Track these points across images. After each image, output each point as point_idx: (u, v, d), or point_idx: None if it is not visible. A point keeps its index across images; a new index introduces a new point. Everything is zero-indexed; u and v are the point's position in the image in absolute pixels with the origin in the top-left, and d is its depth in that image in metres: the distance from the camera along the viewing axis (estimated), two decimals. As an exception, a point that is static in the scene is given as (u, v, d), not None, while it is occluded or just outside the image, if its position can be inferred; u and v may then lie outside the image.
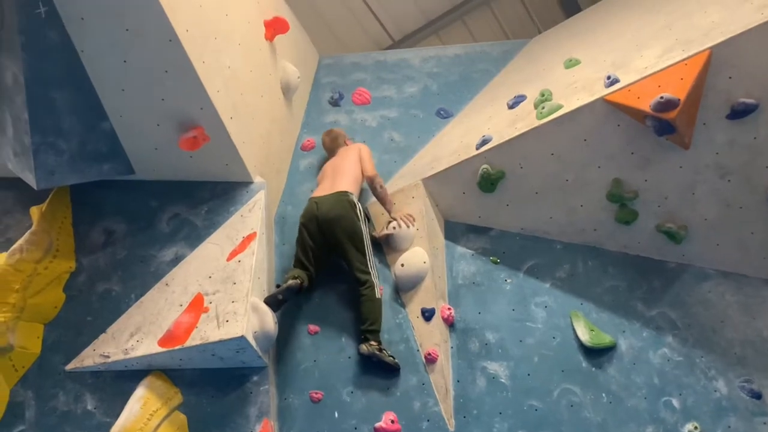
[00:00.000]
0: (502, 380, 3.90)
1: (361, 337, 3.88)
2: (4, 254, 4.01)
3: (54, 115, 3.72)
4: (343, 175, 4.38)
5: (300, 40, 5.78)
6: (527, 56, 5.78)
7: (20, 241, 4.04)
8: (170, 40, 3.66)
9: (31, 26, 3.48)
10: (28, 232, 4.11)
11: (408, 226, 4.29)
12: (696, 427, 3.73)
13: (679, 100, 3.64)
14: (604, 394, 3.86)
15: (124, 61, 3.74)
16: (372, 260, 4.11)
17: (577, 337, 4.03)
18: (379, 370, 3.86)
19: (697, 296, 4.22)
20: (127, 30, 3.62)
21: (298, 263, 4.12)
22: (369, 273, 4.04)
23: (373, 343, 3.83)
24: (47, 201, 4.26)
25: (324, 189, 4.35)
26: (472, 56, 5.95)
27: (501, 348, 4.02)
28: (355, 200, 4.24)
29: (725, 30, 3.74)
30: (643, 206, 4.22)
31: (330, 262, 4.25)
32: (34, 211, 4.24)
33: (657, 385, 3.91)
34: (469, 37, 8.28)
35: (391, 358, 3.86)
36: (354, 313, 4.08)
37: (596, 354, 3.99)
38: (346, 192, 4.24)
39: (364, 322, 3.91)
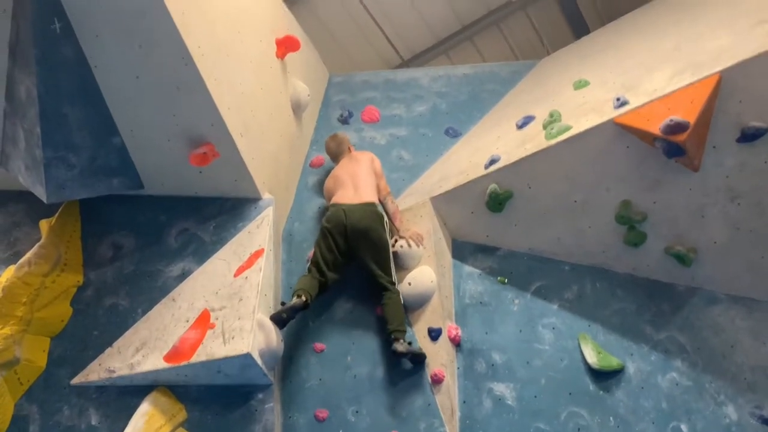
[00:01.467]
0: (509, 402, 3.86)
1: (391, 337, 3.86)
2: (13, 267, 4.04)
3: (66, 130, 3.75)
4: (365, 185, 4.45)
5: (311, 59, 5.83)
6: (536, 77, 5.80)
7: (29, 255, 4.07)
8: (183, 58, 3.69)
9: (46, 41, 3.53)
10: (37, 245, 4.14)
11: (417, 246, 4.28)
12: (705, 454, 3.68)
13: (689, 122, 3.63)
14: (611, 418, 3.81)
15: (137, 77, 3.77)
16: (394, 270, 4.19)
17: (584, 359, 3.99)
18: (389, 385, 3.86)
19: (706, 320, 4.18)
20: (140, 47, 3.66)
21: (316, 268, 4.09)
22: (393, 282, 4.12)
23: (403, 341, 3.84)
24: (57, 215, 4.29)
25: (348, 197, 4.36)
26: (481, 76, 5.98)
27: (508, 369, 3.98)
28: (383, 212, 4.34)
29: (735, 54, 3.74)
30: (652, 228, 4.20)
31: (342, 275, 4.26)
32: (44, 225, 4.27)
33: (665, 409, 3.86)
34: (478, 57, 8.33)
35: (419, 348, 3.90)
36: (361, 331, 4.07)
37: (604, 377, 3.95)
38: (374, 203, 4.34)
39: (392, 322, 3.92)
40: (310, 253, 4.36)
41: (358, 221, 4.18)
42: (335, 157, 4.93)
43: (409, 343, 3.86)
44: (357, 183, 4.45)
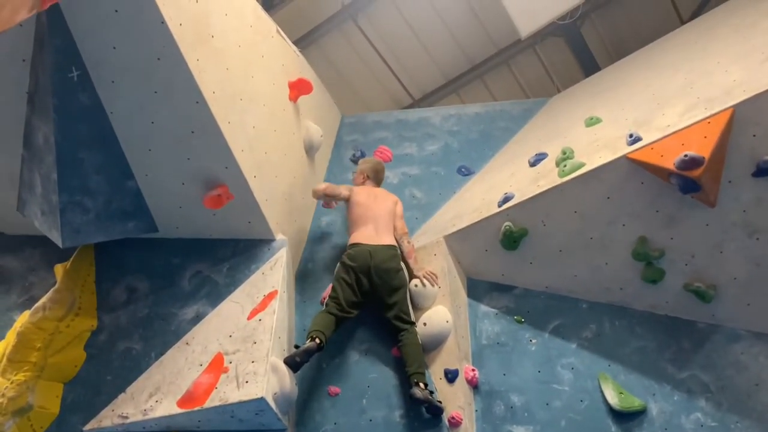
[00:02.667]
0: (529, 445, 3.77)
1: (413, 381, 3.79)
2: (28, 312, 4.04)
3: (82, 175, 3.80)
4: (386, 227, 4.48)
5: (323, 100, 5.89)
6: (547, 114, 5.83)
7: (44, 299, 4.08)
8: (197, 102, 3.74)
9: (64, 89, 3.60)
10: (52, 290, 4.15)
11: (432, 285, 4.25)
12: (734, 498, 3.55)
13: (703, 158, 3.62)
14: (635, 461, 3.70)
15: (152, 122, 3.83)
16: (412, 310, 4.20)
17: (605, 400, 3.90)
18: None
19: (729, 358, 4.08)
20: (155, 92, 3.72)
21: (336, 305, 4.05)
22: (412, 322, 4.11)
23: (422, 385, 3.77)
24: (71, 259, 4.31)
25: (371, 237, 4.36)
26: (492, 114, 6.01)
27: (527, 411, 3.90)
28: (401, 255, 4.41)
29: (747, 88, 3.74)
30: (669, 265, 4.14)
31: (350, 321, 4.22)
32: (59, 269, 4.28)
33: (691, 452, 3.75)
34: (489, 95, 8.41)
35: (439, 401, 3.78)
36: (377, 373, 4.01)
37: (626, 418, 3.85)
38: (395, 246, 4.39)
39: (411, 364, 3.87)
40: (325, 294, 4.33)
41: (382, 262, 4.20)
42: (367, 179, 4.87)
43: (431, 392, 3.78)
44: (379, 224, 4.45)
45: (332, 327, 3.96)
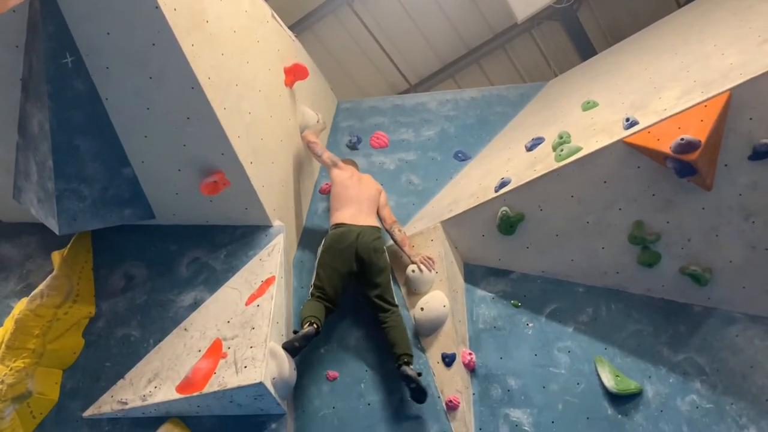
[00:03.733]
0: (526, 428, 3.80)
1: (402, 361, 3.82)
2: (25, 299, 4.04)
3: (77, 162, 3.78)
4: (371, 210, 4.52)
5: (319, 86, 5.87)
6: (544, 99, 5.81)
7: (41, 286, 4.08)
8: (192, 88, 3.72)
9: (58, 76, 3.57)
10: (49, 276, 4.15)
11: (429, 270, 4.26)
12: (729, 479, 3.59)
13: (700, 141, 3.62)
14: (631, 443, 3.74)
15: (147, 109, 3.81)
16: (394, 293, 4.24)
17: (602, 383, 3.93)
18: (401, 413, 3.81)
19: (724, 341, 4.11)
20: (150, 78, 3.70)
21: (320, 292, 4.07)
22: (396, 304, 4.14)
23: (413, 368, 3.81)
24: (68, 246, 4.31)
25: (356, 217, 4.39)
26: (488, 99, 6.00)
27: (524, 395, 3.93)
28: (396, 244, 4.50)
29: (744, 71, 3.74)
30: (665, 248, 4.16)
31: (348, 305, 4.23)
32: (56, 256, 4.28)
33: (686, 433, 3.79)
34: (485, 80, 8.37)
35: (424, 386, 3.79)
36: (374, 357, 4.04)
37: (622, 401, 3.88)
38: (379, 228, 4.46)
39: (399, 345, 3.91)
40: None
41: (370, 242, 4.23)
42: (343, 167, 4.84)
43: (419, 374, 3.80)
44: (362, 206, 4.49)
45: (324, 312, 3.98)
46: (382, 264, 4.22)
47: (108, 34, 3.56)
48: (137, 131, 3.91)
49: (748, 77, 3.67)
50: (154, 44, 3.59)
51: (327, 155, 4.83)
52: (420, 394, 3.74)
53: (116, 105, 3.80)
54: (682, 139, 3.64)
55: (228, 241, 4.35)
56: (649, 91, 4.29)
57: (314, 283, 4.16)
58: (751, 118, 3.74)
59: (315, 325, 3.82)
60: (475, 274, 4.55)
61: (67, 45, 3.55)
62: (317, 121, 5.25)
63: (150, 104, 3.80)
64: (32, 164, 3.85)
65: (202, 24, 3.86)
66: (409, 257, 4.38)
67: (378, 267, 4.19)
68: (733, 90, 3.70)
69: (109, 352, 4.03)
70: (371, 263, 4.18)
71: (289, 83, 5.00)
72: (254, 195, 4.18)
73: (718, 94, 3.73)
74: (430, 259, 4.33)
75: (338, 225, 4.35)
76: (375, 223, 4.46)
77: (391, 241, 4.54)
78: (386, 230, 4.52)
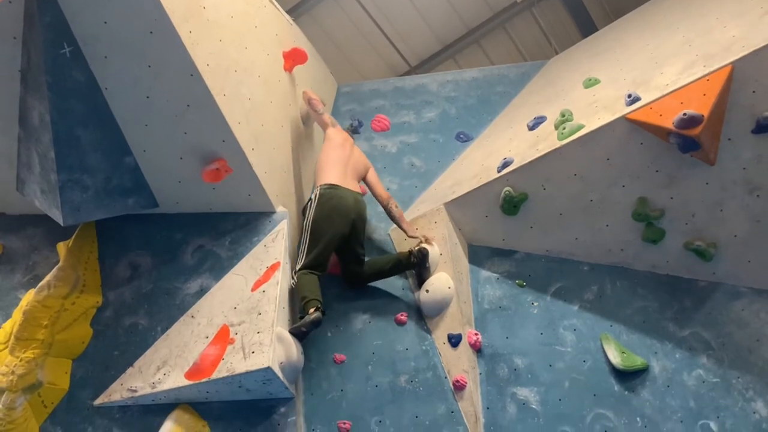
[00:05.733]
0: (533, 406, 3.82)
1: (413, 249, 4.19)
2: (33, 291, 4.07)
3: (79, 152, 3.78)
4: (356, 179, 4.56)
5: (318, 70, 5.84)
6: (545, 77, 5.77)
7: (48, 278, 4.10)
8: (191, 75, 3.71)
9: (57, 66, 3.56)
10: (56, 268, 4.17)
11: (431, 244, 4.32)
12: (736, 451, 3.61)
13: (702, 116, 3.60)
14: (638, 418, 3.76)
15: (147, 97, 3.80)
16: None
17: (608, 360, 3.95)
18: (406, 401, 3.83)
19: (730, 315, 4.11)
20: (149, 66, 3.69)
21: (317, 262, 4.04)
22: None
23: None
24: (73, 236, 4.32)
25: (346, 181, 4.39)
26: (489, 79, 5.96)
27: (530, 373, 3.95)
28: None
29: (746, 44, 3.70)
30: (670, 224, 4.15)
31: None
32: (61, 247, 4.30)
33: (693, 408, 3.80)
34: (486, 60, 8.31)
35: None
36: (380, 340, 4.07)
37: (629, 377, 3.90)
38: (362, 195, 4.53)
39: (393, 254, 4.37)
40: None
41: (363, 211, 4.35)
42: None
43: (420, 250, 4.18)
44: (351, 172, 4.51)
45: (319, 286, 3.97)
46: (365, 236, 4.36)
47: (105, 23, 3.55)
48: (138, 120, 3.90)
49: (751, 50, 3.64)
50: (151, 32, 3.57)
51: (327, 115, 4.87)
52: (422, 256, 4.15)
53: (116, 94, 3.80)
54: (684, 114, 3.62)
55: (232, 228, 4.36)
56: (651, 67, 4.26)
57: (307, 250, 4.06)
58: (754, 91, 3.71)
59: (320, 311, 3.82)
60: (479, 255, 4.55)
61: (64, 35, 3.54)
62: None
63: (149, 92, 3.79)
64: (34, 156, 3.86)
65: (199, 10, 3.84)
66: (406, 232, 4.40)
67: (363, 238, 4.32)
68: (735, 63, 3.66)
69: (117, 341, 4.06)
70: (360, 232, 4.26)
71: (288, 68, 4.98)
72: (257, 181, 4.18)
73: (721, 67, 3.69)
74: (426, 237, 4.38)
75: (332, 186, 4.26)
76: (359, 191, 4.49)
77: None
78: (383, 207, 4.51)
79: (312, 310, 3.79)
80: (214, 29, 3.97)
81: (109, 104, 3.82)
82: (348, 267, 4.26)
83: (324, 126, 4.83)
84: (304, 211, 4.31)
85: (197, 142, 3.99)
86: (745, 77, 3.68)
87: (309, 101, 4.91)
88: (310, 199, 4.26)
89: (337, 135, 4.70)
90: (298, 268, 4.03)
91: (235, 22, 4.28)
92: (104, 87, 3.77)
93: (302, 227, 4.24)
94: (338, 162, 4.47)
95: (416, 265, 4.21)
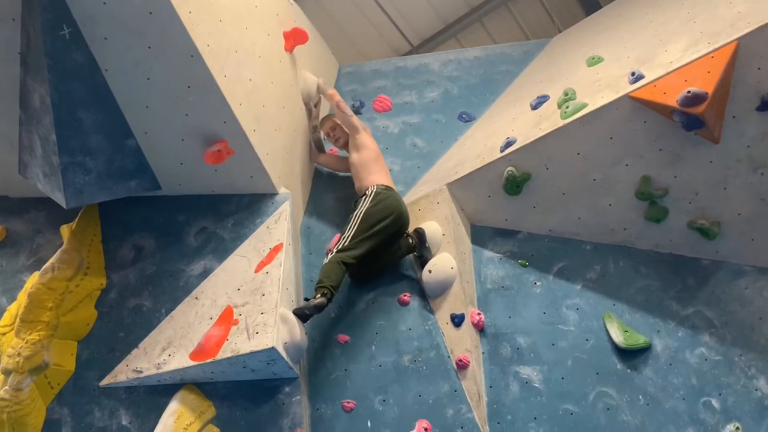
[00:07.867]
0: (536, 385, 3.84)
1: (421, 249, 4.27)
2: (37, 273, 4.09)
3: (81, 135, 3.77)
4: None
5: (319, 50, 5.80)
6: (548, 56, 5.73)
7: (52, 260, 4.12)
8: (192, 56, 3.69)
9: (56, 48, 3.54)
10: (59, 250, 4.18)
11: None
12: (737, 428, 3.64)
13: (706, 93, 3.57)
14: (641, 396, 3.78)
15: (148, 79, 3.78)
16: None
17: (610, 338, 3.96)
18: (410, 380, 3.86)
19: (733, 293, 4.11)
20: (149, 47, 3.66)
21: (355, 259, 4.04)
22: None
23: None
24: (77, 219, 4.33)
25: (392, 185, 4.53)
26: (492, 58, 5.91)
27: (533, 352, 3.96)
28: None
29: (752, 20, 3.66)
30: (673, 203, 4.14)
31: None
32: (65, 230, 4.31)
33: (695, 385, 3.82)
34: (488, 38, 8.24)
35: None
36: (384, 320, 4.09)
37: (631, 355, 3.91)
38: None
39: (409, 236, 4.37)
40: (330, 245, 4.35)
41: (408, 216, 4.41)
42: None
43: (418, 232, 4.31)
44: (387, 170, 4.65)
45: (342, 279, 3.98)
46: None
47: (104, 3, 3.51)
48: (139, 102, 3.88)
49: (756, 26, 3.60)
50: (151, 13, 3.54)
51: (357, 120, 4.81)
52: (419, 235, 4.27)
53: (116, 76, 3.77)
54: (688, 92, 3.59)
55: (235, 209, 4.36)
56: (655, 44, 4.22)
57: (352, 235, 4.10)
58: (759, 68, 3.68)
59: (327, 297, 3.82)
60: (482, 235, 4.55)
61: (63, 16, 3.51)
62: (317, 87, 5.17)
63: (150, 74, 3.77)
64: (36, 139, 3.85)
65: (199, -10, 3.81)
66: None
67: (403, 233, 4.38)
68: (740, 39, 3.63)
69: (122, 323, 4.08)
70: (398, 237, 4.33)
71: (289, 48, 4.94)
72: (258, 163, 4.17)
73: (726, 44, 3.66)
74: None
75: (387, 188, 4.41)
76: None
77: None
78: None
79: (319, 296, 3.81)
80: (214, 9, 3.94)
81: (110, 86, 3.80)
82: (364, 264, 4.20)
83: (353, 130, 4.72)
84: (355, 204, 4.35)
85: (198, 123, 3.97)
86: (751, 54, 3.65)
87: (338, 104, 4.80)
88: (365, 194, 4.33)
89: (373, 143, 4.73)
90: (337, 249, 4.07)
91: (235, 2, 4.24)
92: (104, 68, 3.74)
93: (349, 218, 4.24)
94: (380, 167, 4.58)
95: (417, 247, 4.24)
